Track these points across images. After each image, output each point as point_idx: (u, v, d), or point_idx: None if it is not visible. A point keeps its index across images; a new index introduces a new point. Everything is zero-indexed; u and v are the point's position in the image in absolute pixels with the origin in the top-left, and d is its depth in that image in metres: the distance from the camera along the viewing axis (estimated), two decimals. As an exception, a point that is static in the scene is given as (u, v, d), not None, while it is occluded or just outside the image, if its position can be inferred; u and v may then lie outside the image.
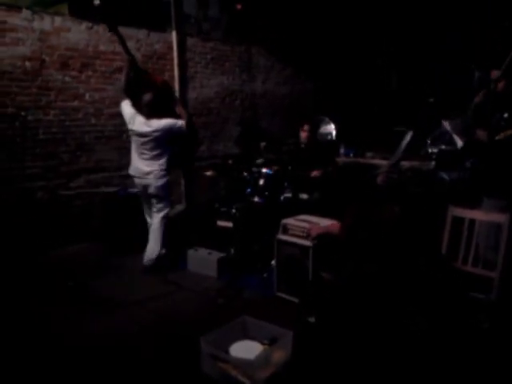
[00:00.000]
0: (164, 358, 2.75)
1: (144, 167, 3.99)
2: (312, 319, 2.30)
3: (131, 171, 4.13)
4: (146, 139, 3.92)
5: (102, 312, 3.35)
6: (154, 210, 4.14)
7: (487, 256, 2.86)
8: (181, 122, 3.96)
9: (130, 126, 3.99)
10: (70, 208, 4.64)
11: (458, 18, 6.42)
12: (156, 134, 3.88)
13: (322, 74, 7.25)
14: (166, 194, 4.10)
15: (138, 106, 3.93)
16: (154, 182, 3.98)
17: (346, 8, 6.92)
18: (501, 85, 3.26)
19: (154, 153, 3.96)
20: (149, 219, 4.28)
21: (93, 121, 4.85)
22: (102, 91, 4.88)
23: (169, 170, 4.09)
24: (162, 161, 3.99)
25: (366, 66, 7.32)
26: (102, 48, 4.83)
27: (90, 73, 4.77)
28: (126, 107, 4.02)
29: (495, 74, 3.27)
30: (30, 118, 4.23)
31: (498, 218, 2.80)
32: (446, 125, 4.28)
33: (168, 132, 3.93)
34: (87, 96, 4.78)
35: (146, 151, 3.97)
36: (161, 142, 3.95)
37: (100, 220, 4.66)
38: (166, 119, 3.92)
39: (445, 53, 6.73)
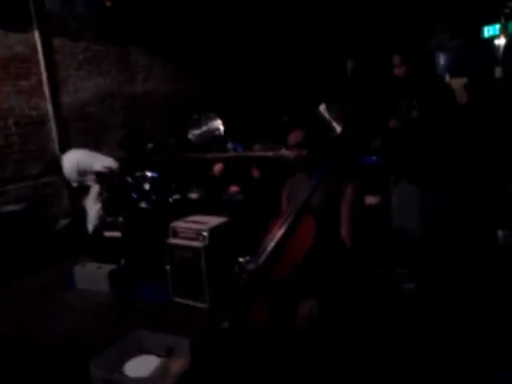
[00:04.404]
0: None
1: None
2: (225, 325, 2.20)
3: None
4: None
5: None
6: None
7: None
8: None
9: None
10: None
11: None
12: None
13: (205, 71, 7.18)
14: None
15: None
16: None
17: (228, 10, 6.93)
18: (401, 70, 3.20)
19: None
20: None
21: None
22: None
23: None
24: None
25: (248, 62, 7.42)
26: None
27: None
28: None
29: (397, 59, 3.20)
30: None
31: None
32: (324, 111, 4.38)
33: None
34: None
35: None
36: None
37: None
38: None
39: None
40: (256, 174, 4.36)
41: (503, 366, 2.24)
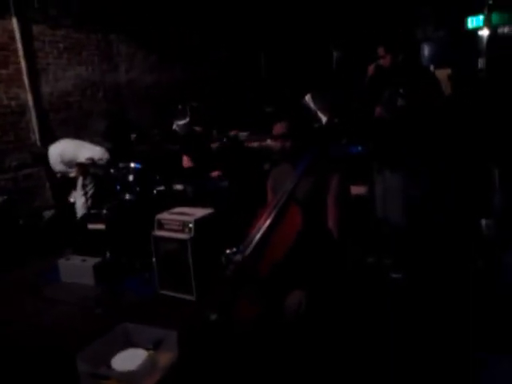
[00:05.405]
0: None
1: None
2: (213, 316, 2.18)
3: None
4: None
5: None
6: None
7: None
8: None
9: None
10: None
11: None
12: None
13: (191, 60, 7.09)
14: None
15: None
16: None
17: None
18: (386, 60, 3.23)
19: None
20: None
21: None
22: None
23: None
24: None
25: (235, 53, 7.36)
26: None
27: None
28: None
29: (381, 50, 3.23)
30: None
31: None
32: (309, 101, 4.37)
33: None
34: None
35: None
36: None
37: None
38: None
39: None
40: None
41: (490, 350, 2.29)
